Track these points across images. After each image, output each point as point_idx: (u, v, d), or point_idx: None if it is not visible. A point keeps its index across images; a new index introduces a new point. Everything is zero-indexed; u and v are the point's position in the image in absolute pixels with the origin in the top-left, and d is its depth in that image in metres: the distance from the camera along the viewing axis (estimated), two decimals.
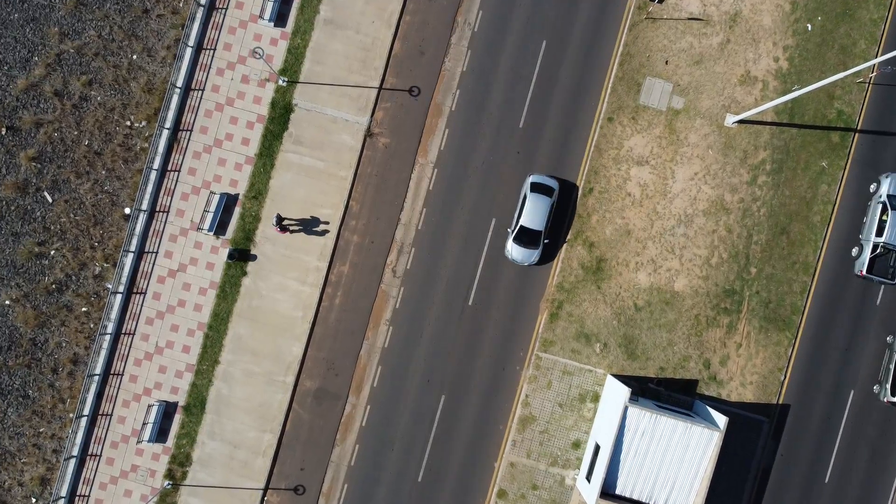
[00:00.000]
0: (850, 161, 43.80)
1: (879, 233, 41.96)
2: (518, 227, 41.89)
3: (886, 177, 42.51)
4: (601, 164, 43.70)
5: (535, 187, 42.07)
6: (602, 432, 40.96)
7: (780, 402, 43.31)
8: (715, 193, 43.57)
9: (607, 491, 39.47)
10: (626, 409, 38.94)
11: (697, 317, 43.30)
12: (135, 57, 44.07)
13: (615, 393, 40.66)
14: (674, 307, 43.31)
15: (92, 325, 43.56)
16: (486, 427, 43.27)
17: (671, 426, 39.11)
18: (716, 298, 43.33)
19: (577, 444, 43.10)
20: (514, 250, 42.33)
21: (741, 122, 43.65)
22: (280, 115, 43.67)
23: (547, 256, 43.18)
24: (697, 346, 43.27)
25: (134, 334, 43.49)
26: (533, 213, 41.65)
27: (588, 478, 41.22)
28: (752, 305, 43.29)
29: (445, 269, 43.67)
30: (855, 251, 43.35)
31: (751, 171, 43.59)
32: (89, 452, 43.22)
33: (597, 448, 41.49)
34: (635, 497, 39.66)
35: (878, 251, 41.96)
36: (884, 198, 42.08)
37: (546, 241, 42.41)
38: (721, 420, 39.35)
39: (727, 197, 43.59)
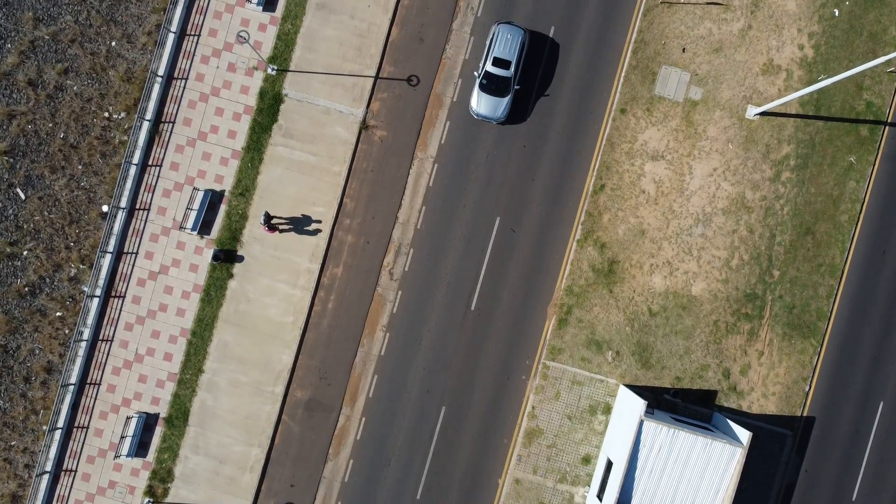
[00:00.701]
0: (879, 156, 40.87)
1: None
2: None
3: None
4: (613, 158, 40.75)
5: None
6: (615, 447, 38.05)
7: (805, 414, 40.40)
8: (735, 191, 40.63)
9: None
10: (641, 423, 36.04)
11: (716, 323, 40.38)
12: (113, 44, 41.11)
13: (629, 405, 37.75)
14: (691, 312, 40.38)
15: (67, 331, 40.61)
16: (490, 441, 40.35)
17: (690, 441, 36.21)
18: (736, 303, 40.40)
19: (587, 460, 40.19)
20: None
21: (763, 114, 40.74)
22: (269, 106, 40.72)
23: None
24: (716, 354, 40.35)
25: (112, 341, 40.54)
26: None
27: (599, 496, 38.32)
28: (774, 311, 40.38)
29: (446, 271, 40.75)
30: None
31: (774, 166, 40.66)
32: (64, 468, 40.27)
33: (609, 464, 38.59)
34: None
35: None
36: None
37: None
38: (744, 435, 36.44)
39: (748, 194, 40.66)
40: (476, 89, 39.57)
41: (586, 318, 40.47)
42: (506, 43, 38.86)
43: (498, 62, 39.20)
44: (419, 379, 40.57)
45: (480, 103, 39.40)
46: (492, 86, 39.24)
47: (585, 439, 40.27)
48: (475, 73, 39.87)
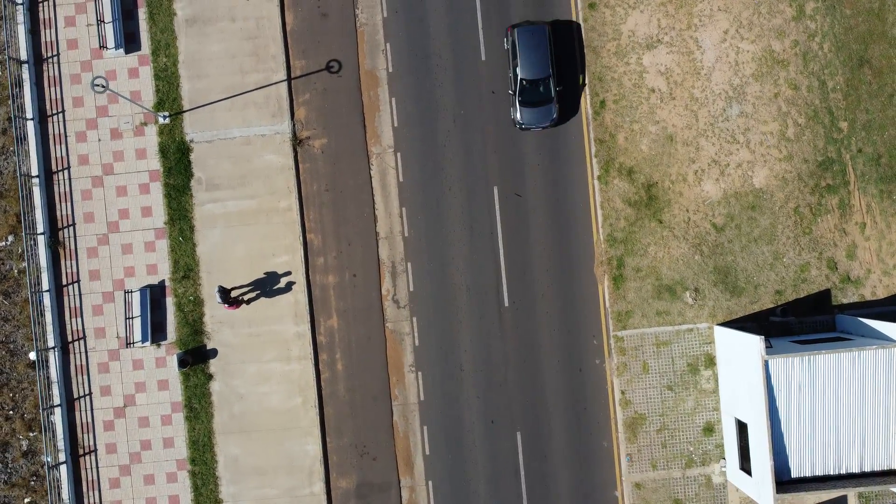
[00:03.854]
0: None
1: None
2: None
3: None
4: (603, 66, 32.57)
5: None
6: (741, 405, 29.90)
7: None
8: (759, 48, 32.47)
9: (781, 479, 28.42)
10: (766, 364, 27.88)
11: (797, 210, 32.24)
12: None
13: (738, 348, 29.64)
14: (764, 210, 32.24)
15: None
16: (587, 451, 32.21)
17: (833, 363, 28.05)
18: (811, 178, 32.27)
19: (709, 430, 32.06)
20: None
21: None
22: (177, 162, 32.52)
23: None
24: (812, 246, 32.20)
25: None
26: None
27: (745, 467, 30.20)
28: (859, 169, 32.26)
29: (459, 273, 32.59)
30: None
31: (792, 1, 32.51)
32: None
33: (740, 425, 30.48)
34: (819, 473, 28.63)
35: None
36: None
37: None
38: (892, 330, 28.38)
39: (776, 46, 32.50)
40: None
41: (644, 265, 32.31)
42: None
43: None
44: (476, 410, 32.44)
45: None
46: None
47: (698, 405, 32.14)
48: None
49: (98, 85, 25.89)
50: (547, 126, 31.81)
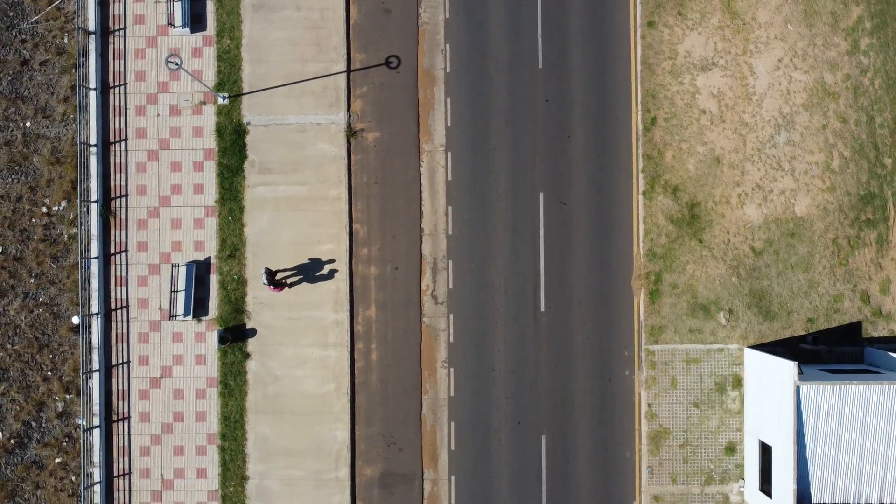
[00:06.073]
0: None
1: None
2: None
3: None
4: (657, 83, 33.11)
5: None
6: (767, 427, 30.46)
7: None
8: (811, 78, 32.98)
9: (801, 503, 28.98)
10: (797, 389, 28.45)
11: (835, 241, 32.76)
12: (28, 124, 33.57)
13: (769, 371, 30.19)
14: (802, 238, 32.77)
15: (74, 479, 33.13)
16: (610, 459, 32.79)
17: (862, 394, 28.62)
18: (852, 211, 32.79)
19: (731, 449, 32.61)
20: None
21: None
22: (232, 143, 33.16)
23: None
24: (847, 278, 32.73)
25: (130, 474, 33.06)
26: None
27: (764, 489, 30.75)
28: None
29: (498, 274, 33.18)
30: None
31: (848, 35, 33.01)
32: None
33: (763, 448, 31.03)
34: (839, 500, 29.17)
35: None
36: None
37: None
38: None
39: (828, 78, 33.01)
40: None
41: (681, 282, 32.86)
42: None
43: None
44: (504, 411, 33.04)
45: None
46: None
47: (722, 424, 32.70)
48: None
49: (172, 62, 26.46)
50: None
